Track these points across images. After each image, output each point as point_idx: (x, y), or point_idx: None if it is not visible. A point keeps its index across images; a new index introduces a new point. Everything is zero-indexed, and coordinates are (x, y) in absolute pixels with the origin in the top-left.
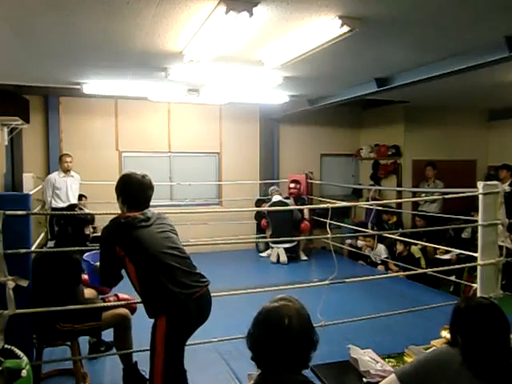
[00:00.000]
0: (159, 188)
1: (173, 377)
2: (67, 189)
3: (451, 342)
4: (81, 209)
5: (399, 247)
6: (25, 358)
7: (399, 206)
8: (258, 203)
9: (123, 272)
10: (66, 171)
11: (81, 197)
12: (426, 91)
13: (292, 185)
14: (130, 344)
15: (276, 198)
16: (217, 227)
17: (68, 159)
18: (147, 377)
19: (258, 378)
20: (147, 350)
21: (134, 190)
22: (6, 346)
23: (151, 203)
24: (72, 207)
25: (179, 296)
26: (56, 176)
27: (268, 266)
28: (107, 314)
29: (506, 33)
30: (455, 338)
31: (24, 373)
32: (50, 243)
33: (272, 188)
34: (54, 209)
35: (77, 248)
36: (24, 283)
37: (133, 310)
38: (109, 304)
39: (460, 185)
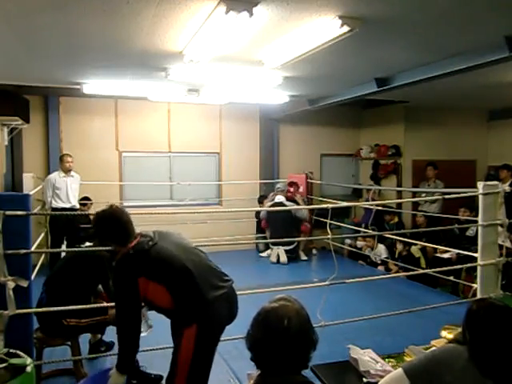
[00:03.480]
0: (159, 188)
1: None
2: (67, 189)
3: (459, 340)
4: None
5: (399, 247)
6: (29, 359)
7: (399, 205)
8: (261, 199)
9: None
10: (67, 171)
11: (85, 199)
12: (426, 91)
13: (291, 189)
14: None
15: (278, 198)
16: (217, 227)
17: (69, 159)
18: (147, 371)
19: (257, 379)
20: (148, 350)
21: (120, 223)
22: (11, 350)
23: (151, 203)
24: None
25: (211, 298)
26: (56, 176)
27: (268, 266)
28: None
29: (506, 33)
30: (465, 336)
31: (29, 368)
32: (88, 243)
33: (277, 186)
34: (54, 209)
35: (103, 248)
36: (24, 283)
37: None
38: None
39: (460, 185)
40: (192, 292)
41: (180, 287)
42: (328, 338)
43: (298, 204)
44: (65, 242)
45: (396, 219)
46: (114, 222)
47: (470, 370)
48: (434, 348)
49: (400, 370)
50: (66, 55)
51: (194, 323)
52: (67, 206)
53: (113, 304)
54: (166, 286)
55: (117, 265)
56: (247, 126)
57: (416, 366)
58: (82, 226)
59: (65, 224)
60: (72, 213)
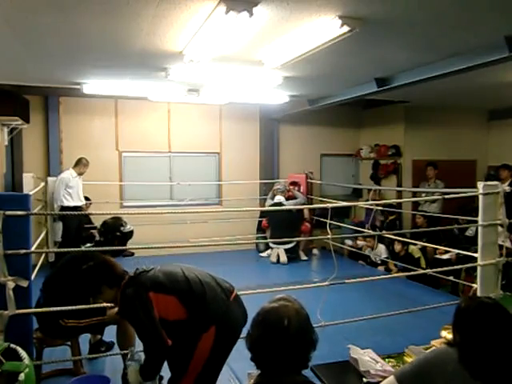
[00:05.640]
0: (159, 188)
1: None
2: (78, 188)
3: (451, 342)
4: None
5: (397, 247)
6: (26, 361)
7: (399, 205)
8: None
9: None
10: (81, 174)
11: (84, 199)
12: (426, 91)
13: (290, 187)
14: (133, 342)
15: (278, 198)
16: (217, 227)
17: (88, 164)
18: None
19: (257, 378)
20: None
21: (110, 264)
22: (11, 345)
23: (151, 203)
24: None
25: (224, 298)
26: (69, 176)
27: (268, 266)
28: (113, 310)
29: (506, 33)
30: (455, 337)
31: (21, 376)
32: (88, 244)
33: (278, 187)
34: (65, 207)
35: (104, 248)
36: (24, 283)
37: None
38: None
39: (460, 185)
40: (205, 296)
41: (191, 295)
42: (328, 338)
43: (296, 198)
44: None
45: (390, 217)
46: (106, 264)
47: (460, 373)
48: (427, 351)
49: (392, 377)
50: (66, 55)
51: (213, 325)
52: (79, 204)
53: (112, 304)
54: (177, 295)
55: (123, 293)
56: (247, 126)
57: (407, 373)
58: (83, 226)
59: (77, 222)
60: (73, 212)
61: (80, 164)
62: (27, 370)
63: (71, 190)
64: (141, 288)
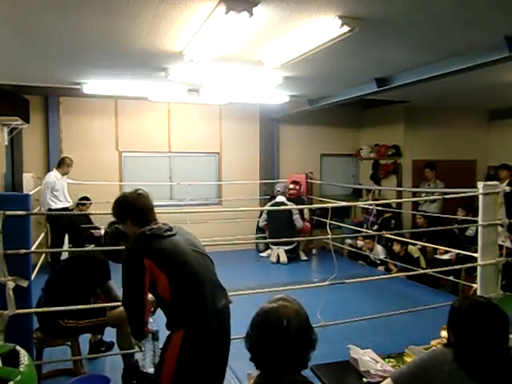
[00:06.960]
0: (159, 188)
1: None
2: (63, 189)
3: (446, 342)
4: None
5: (396, 247)
6: (22, 368)
7: (399, 205)
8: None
9: None
10: (65, 174)
11: (84, 199)
12: (426, 91)
13: (291, 185)
14: (132, 343)
15: (279, 198)
16: (217, 227)
17: (72, 164)
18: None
19: (257, 379)
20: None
21: (139, 204)
22: (17, 347)
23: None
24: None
25: (207, 306)
26: (55, 178)
27: (268, 266)
28: (113, 311)
29: (506, 33)
30: (449, 337)
31: None
32: (90, 246)
33: (277, 189)
34: (53, 210)
35: (103, 248)
36: (24, 283)
37: None
38: (115, 304)
39: (460, 185)
40: (191, 295)
41: (181, 286)
42: (328, 338)
43: (303, 201)
44: (65, 243)
45: (386, 214)
46: (140, 201)
47: (457, 373)
48: (424, 352)
49: (389, 379)
50: (66, 55)
51: (183, 328)
52: (66, 205)
53: (111, 304)
54: (169, 277)
55: (131, 241)
56: (247, 126)
57: (405, 374)
58: (82, 226)
59: (67, 223)
60: (72, 213)
61: (63, 164)
62: (19, 377)
63: (57, 193)
64: (143, 251)
